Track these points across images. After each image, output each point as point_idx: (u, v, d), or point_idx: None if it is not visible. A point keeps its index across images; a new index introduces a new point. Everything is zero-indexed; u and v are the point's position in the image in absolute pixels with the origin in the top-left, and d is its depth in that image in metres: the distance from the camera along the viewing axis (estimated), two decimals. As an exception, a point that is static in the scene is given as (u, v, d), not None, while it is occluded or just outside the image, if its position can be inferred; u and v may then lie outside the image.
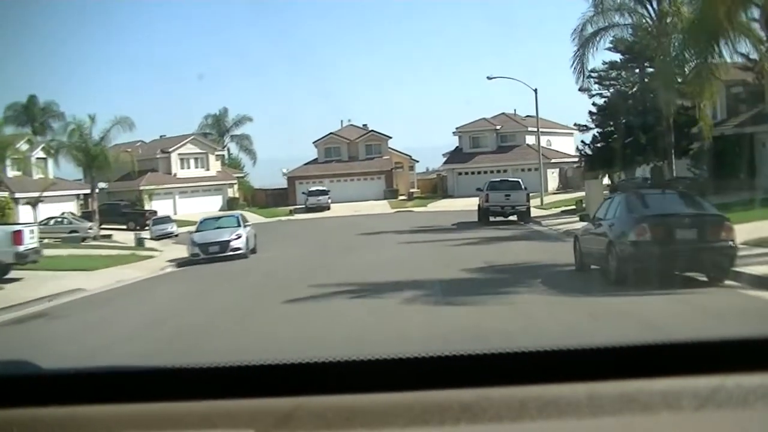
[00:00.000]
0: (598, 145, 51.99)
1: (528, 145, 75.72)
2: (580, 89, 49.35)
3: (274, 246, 35.44)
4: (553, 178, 73.61)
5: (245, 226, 33.84)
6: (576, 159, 76.02)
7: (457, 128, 78.37)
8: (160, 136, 79.99)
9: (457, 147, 79.33)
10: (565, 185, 73.39)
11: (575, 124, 64.44)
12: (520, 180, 44.08)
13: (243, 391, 2.15)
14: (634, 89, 54.26)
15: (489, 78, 55.41)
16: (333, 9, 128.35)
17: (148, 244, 45.37)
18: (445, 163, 78.27)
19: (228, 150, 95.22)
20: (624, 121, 47.66)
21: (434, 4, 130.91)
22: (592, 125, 56.11)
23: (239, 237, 31.46)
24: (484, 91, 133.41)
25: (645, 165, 47.75)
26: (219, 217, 37.85)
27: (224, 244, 30.71)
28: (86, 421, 2.11)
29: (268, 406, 2.10)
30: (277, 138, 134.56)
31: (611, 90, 58.95)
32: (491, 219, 41.49)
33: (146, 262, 33.09)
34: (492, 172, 74.06)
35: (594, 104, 55.98)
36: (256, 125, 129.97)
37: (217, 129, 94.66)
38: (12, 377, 2.30)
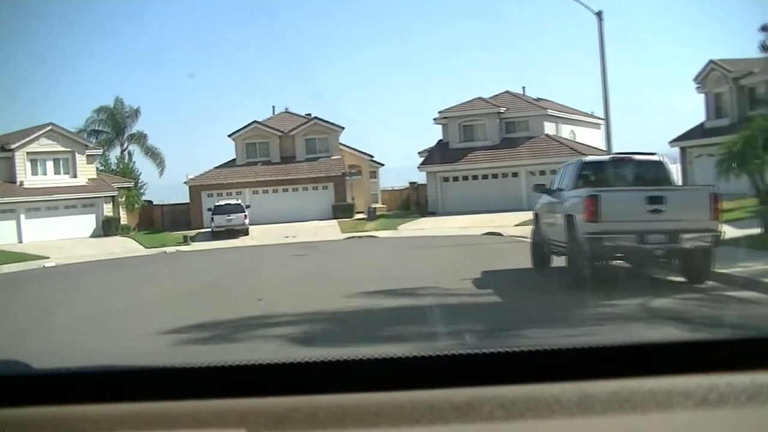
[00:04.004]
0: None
1: (548, 135, 50.96)
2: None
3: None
4: (586, 185, 48.70)
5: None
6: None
7: (440, 112, 53.36)
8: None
9: (440, 141, 54.24)
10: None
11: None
12: (663, 160, 16.89)
13: (234, 390, 2.13)
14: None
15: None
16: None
17: None
18: (424, 163, 52.94)
19: (128, 154, 70.66)
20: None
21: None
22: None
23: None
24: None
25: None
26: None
27: None
28: (77, 421, 2.11)
29: (260, 405, 2.08)
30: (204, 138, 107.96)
31: None
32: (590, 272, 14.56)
33: None
34: (495, 176, 49.58)
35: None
36: (173, 121, 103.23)
37: (112, 126, 70.14)
38: (4, 376, 2.29)
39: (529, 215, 43.78)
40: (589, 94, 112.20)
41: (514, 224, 39.98)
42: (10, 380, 2.28)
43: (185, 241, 45.89)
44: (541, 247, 17.58)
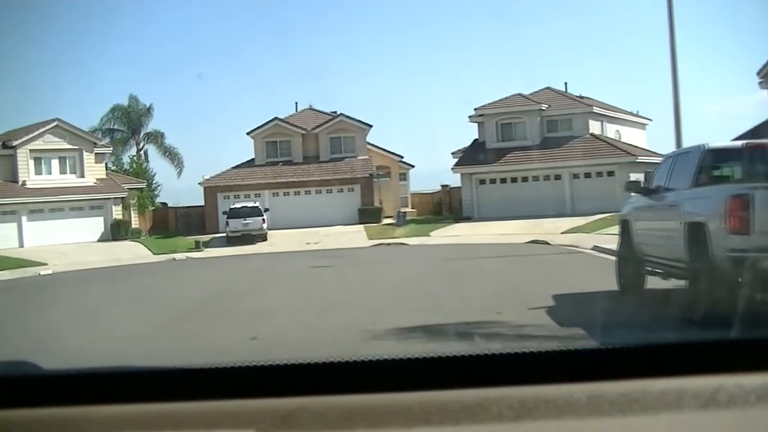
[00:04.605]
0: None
1: (593, 134, 46.65)
2: None
3: None
4: (637, 189, 44.31)
5: None
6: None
7: (476, 110, 49.05)
8: None
9: (476, 140, 50.02)
10: (654, 201, 44.12)
11: None
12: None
13: (244, 391, 2.15)
14: None
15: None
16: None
17: None
18: (459, 164, 48.70)
19: (144, 154, 67.23)
20: None
21: None
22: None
23: None
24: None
25: None
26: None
27: None
28: (86, 422, 2.11)
29: (269, 406, 2.10)
30: (226, 138, 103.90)
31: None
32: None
33: None
34: (536, 179, 45.49)
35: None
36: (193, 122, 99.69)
37: (127, 124, 66.87)
38: (12, 377, 2.33)
39: (575, 221, 40.62)
40: (632, 93, 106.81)
41: (560, 231, 35.85)
42: (19, 381, 2.28)
43: (197, 247, 42.15)
44: (633, 266, 13.18)
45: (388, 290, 16.86)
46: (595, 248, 26.24)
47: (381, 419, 1.99)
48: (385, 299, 15.07)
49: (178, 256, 39.52)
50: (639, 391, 1.99)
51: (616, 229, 34.03)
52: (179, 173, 65.95)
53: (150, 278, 26.39)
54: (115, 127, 66.68)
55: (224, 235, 44.18)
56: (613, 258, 21.88)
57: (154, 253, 41.43)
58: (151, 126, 66.65)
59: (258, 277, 22.52)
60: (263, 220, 43.10)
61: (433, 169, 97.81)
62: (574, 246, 29.10)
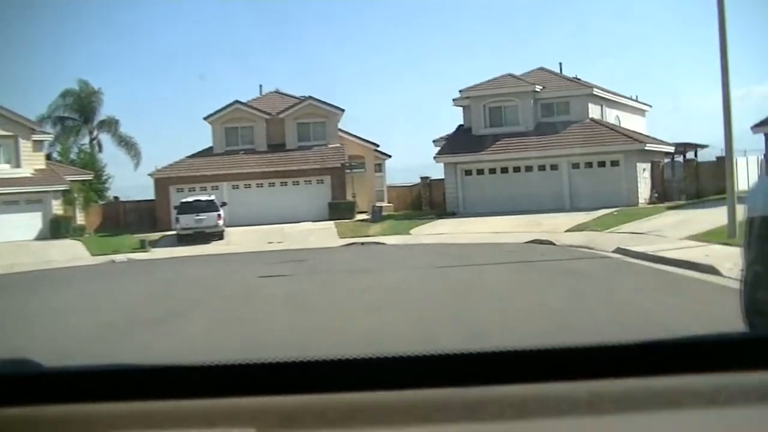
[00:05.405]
0: None
1: (593, 120, 41.51)
2: None
3: None
4: (644, 180, 39.38)
5: None
6: (678, 147, 42.65)
7: (462, 92, 43.70)
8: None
9: (461, 126, 44.70)
10: (661, 194, 39.47)
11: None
12: None
13: (244, 389, 2.10)
14: None
15: None
16: None
17: None
18: (441, 153, 43.34)
19: (98, 143, 61.94)
20: None
21: None
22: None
23: None
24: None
25: None
26: None
27: None
28: (87, 420, 2.09)
29: (270, 404, 2.06)
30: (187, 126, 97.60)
31: None
32: None
33: None
34: (529, 169, 40.49)
35: None
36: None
37: (79, 111, 61.70)
38: (13, 375, 2.28)
39: (577, 217, 34.44)
40: (627, 76, 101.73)
41: (564, 229, 30.63)
42: (20, 379, 2.26)
43: (142, 246, 36.71)
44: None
45: (359, 319, 11.45)
46: (621, 251, 21.14)
47: (382, 417, 1.95)
48: (355, 340, 9.68)
49: (119, 257, 34.19)
50: (640, 390, 1.95)
51: (631, 226, 28.62)
52: (136, 164, 60.47)
53: (65, 290, 20.86)
54: (66, 114, 61.49)
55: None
56: (658, 265, 16.66)
57: (92, 254, 36.09)
58: (106, 113, 61.37)
59: (185, 296, 16.88)
60: (219, 215, 37.83)
61: (413, 159, 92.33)
62: (589, 248, 23.97)
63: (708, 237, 21.09)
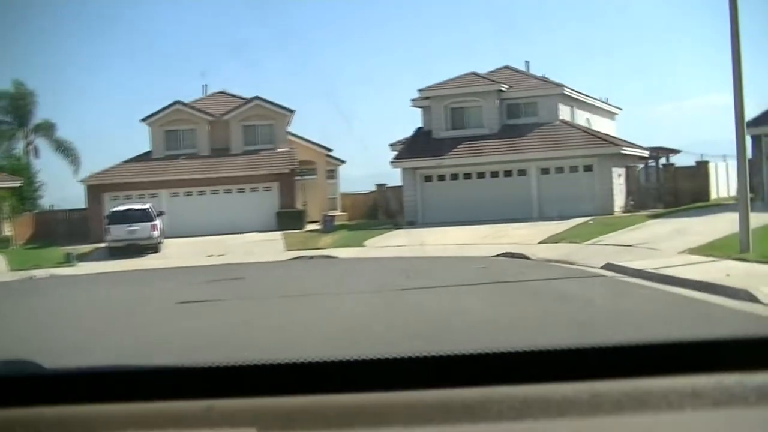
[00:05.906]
0: None
1: (563, 121, 38.64)
2: None
3: None
4: (618, 186, 36.49)
5: None
6: (651, 151, 40.09)
7: (421, 91, 40.58)
8: None
9: (420, 129, 41.55)
10: (637, 201, 36.74)
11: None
12: None
13: (244, 390, 2.11)
14: None
15: None
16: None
17: None
18: (399, 157, 40.11)
19: (34, 148, 58.03)
20: None
21: None
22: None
23: None
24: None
25: None
26: None
27: None
28: (88, 420, 2.09)
29: (270, 405, 2.06)
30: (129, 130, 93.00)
31: None
32: None
33: None
34: (495, 174, 37.46)
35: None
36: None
37: (14, 115, 57.71)
38: (14, 377, 2.26)
39: (548, 227, 30.64)
40: (594, 78, 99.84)
41: (537, 241, 27.54)
42: (21, 380, 2.25)
43: (68, 260, 32.98)
44: None
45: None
46: (612, 268, 18.05)
47: (382, 418, 1.96)
48: None
49: (40, 273, 30.46)
50: (641, 390, 1.95)
51: (613, 237, 25.34)
52: (75, 171, 56.32)
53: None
54: (-1, 118, 57.47)
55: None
56: (667, 287, 13.52)
57: (11, 269, 32.39)
58: (43, 116, 57.39)
59: (69, 329, 13.26)
60: (154, 226, 34.37)
61: (368, 166, 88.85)
62: (569, 263, 20.94)
63: (714, 251, 18.07)
